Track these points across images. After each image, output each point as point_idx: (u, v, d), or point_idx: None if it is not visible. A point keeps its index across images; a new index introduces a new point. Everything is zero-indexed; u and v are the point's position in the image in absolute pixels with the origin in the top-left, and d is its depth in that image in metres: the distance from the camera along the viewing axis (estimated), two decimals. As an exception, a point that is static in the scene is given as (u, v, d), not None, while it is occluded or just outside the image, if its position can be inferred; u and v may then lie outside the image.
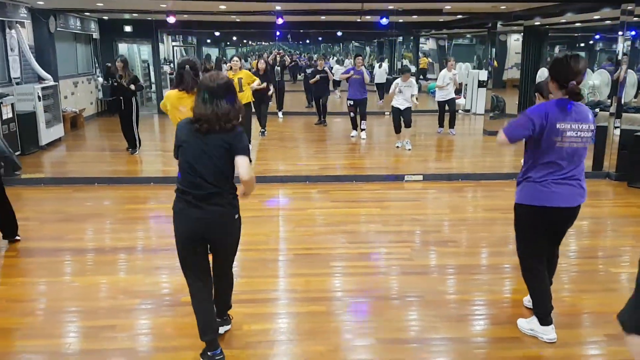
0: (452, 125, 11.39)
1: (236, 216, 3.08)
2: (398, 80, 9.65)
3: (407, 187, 7.45)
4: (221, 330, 3.44)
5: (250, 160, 3.02)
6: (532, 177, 3.30)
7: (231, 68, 9.06)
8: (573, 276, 4.57)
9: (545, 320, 3.47)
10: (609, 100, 11.51)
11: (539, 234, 3.41)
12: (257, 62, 10.79)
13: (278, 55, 16.80)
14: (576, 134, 3.18)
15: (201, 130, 2.91)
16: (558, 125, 3.16)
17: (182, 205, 3.01)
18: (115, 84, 8.91)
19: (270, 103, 11.30)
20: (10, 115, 8.62)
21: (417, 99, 9.63)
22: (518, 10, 11.66)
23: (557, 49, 22.46)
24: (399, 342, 3.47)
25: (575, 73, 3.14)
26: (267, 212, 6.24)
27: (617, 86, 8.20)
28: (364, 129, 10.82)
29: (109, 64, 8.97)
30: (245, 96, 8.86)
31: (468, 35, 24.10)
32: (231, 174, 3.01)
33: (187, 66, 4.24)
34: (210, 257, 3.24)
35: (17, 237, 5.19)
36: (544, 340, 3.45)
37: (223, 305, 3.46)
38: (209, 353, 3.14)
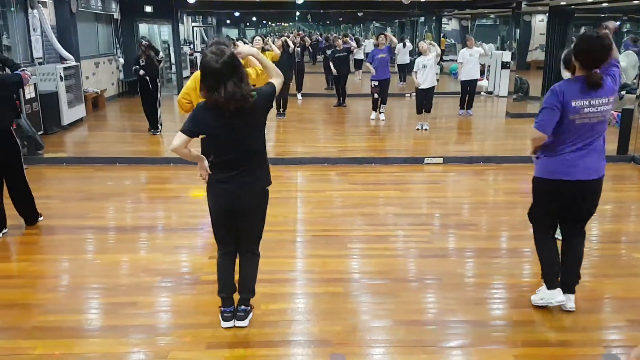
0: (469, 105, 11.26)
1: (267, 188, 3.22)
2: (420, 58, 9.55)
3: (426, 170, 7.39)
4: (244, 322, 3.35)
5: (273, 86, 3.12)
6: (550, 151, 3.34)
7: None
8: (595, 261, 4.50)
9: (551, 283, 3.51)
10: (634, 82, 11.24)
11: (552, 206, 3.47)
12: (273, 42, 10.73)
13: (298, 37, 16.69)
14: (596, 109, 3.19)
15: (213, 109, 2.91)
16: (574, 103, 3.17)
17: (217, 179, 3.12)
18: (142, 63, 9.01)
19: (289, 84, 11.26)
20: (33, 95, 8.71)
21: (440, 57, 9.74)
22: (543, -10, 11.38)
23: (583, 30, 21.93)
24: (416, 324, 3.46)
25: (598, 60, 3.12)
26: (285, 194, 6.24)
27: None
28: (382, 112, 10.74)
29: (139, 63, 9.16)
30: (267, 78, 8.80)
31: (491, 16, 23.65)
32: (264, 147, 3.16)
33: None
34: None
35: (39, 219, 5.21)
36: (553, 304, 3.51)
37: (246, 289, 3.38)
38: (221, 308, 3.34)
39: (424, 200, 6.16)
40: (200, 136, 3.24)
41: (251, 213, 3.23)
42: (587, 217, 3.52)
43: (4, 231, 4.88)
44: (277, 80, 3.14)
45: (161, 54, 9.50)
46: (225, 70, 2.84)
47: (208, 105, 2.94)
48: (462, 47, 11.72)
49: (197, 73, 4.36)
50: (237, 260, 3.40)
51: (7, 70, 5.06)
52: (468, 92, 11.21)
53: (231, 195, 3.11)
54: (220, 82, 2.83)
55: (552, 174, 3.34)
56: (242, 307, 3.38)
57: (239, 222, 3.23)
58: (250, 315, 3.43)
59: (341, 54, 12.32)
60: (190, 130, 2.99)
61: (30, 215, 5.11)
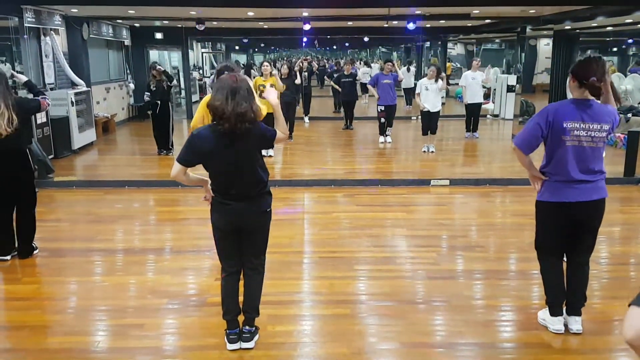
0: (475, 128, 11.31)
1: (268, 209, 3.27)
2: (423, 80, 9.62)
3: (433, 192, 7.40)
4: (250, 344, 3.35)
5: (275, 132, 3.21)
6: (547, 173, 3.37)
7: (262, 74, 9.13)
8: (604, 283, 4.47)
9: (554, 310, 3.54)
10: (638, 105, 11.26)
11: (557, 230, 3.46)
12: (281, 67, 10.90)
13: (305, 62, 16.91)
14: (587, 133, 3.20)
15: (223, 131, 2.96)
16: (565, 124, 3.19)
17: (220, 201, 3.19)
18: (154, 89, 9.16)
19: (297, 108, 11.38)
20: (44, 119, 8.85)
21: (445, 89, 9.94)
22: (547, 15, 11.50)
23: (589, 53, 22.02)
24: (423, 347, 3.45)
25: (596, 71, 3.15)
26: (291, 215, 6.27)
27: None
28: (388, 134, 10.79)
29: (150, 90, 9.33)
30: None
31: (497, 40, 23.86)
32: (264, 170, 3.20)
33: (226, 72, 4.28)
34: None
35: (35, 252, 5.02)
36: (550, 330, 3.53)
37: (251, 309, 3.36)
38: (227, 331, 3.35)
39: (430, 222, 6.15)
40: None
41: (254, 232, 3.29)
42: (593, 236, 3.48)
43: (13, 253, 4.92)
44: (280, 134, 3.24)
45: (174, 82, 9.66)
46: (241, 87, 2.97)
47: (216, 122, 2.97)
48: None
49: (205, 99, 4.45)
50: (241, 282, 3.41)
51: (29, 95, 5.10)
52: (473, 115, 11.28)
53: (233, 214, 3.17)
54: (235, 97, 2.93)
55: (555, 196, 3.35)
56: (247, 327, 3.38)
57: (242, 239, 3.28)
58: (256, 336, 3.42)
59: (347, 79, 12.48)
60: (185, 159, 3.08)
61: (25, 244, 4.94)
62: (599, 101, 3.27)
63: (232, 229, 3.23)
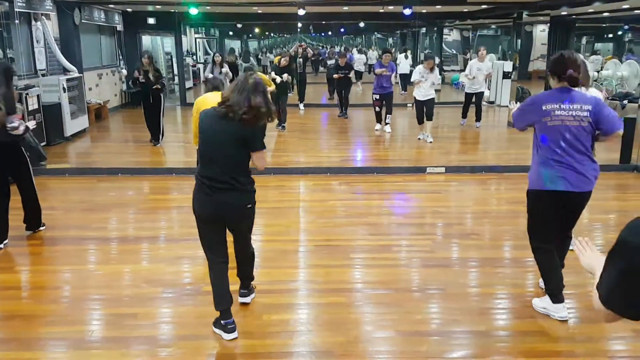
0: (478, 118, 11.11)
1: (249, 205, 3.25)
2: (420, 68, 9.52)
3: (429, 179, 7.38)
4: (247, 299, 3.73)
5: (265, 147, 3.23)
6: (537, 161, 3.48)
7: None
8: (599, 270, 4.47)
9: (556, 298, 3.56)
10: (634, 92, 11.24)
11: (548, 218, 3.54)
12: (281, 58, 10.65)
13: (300, 48, 16.80)
14: (567, 113, 3.34)
15: (220, 113, 3.04)
16: (544, 107, 3.39)
17: (200, 191, 3.19)
18: (143, 80, 8.95)
19: (290, 94, 11.28)
20: (36, 106, 8.75)
21: (438, 84, 9.64)
22: (544, 0, 11.43)
23: (584, 40, 22.00)
24: (419, 335, 3.44)
25: (570, 63, 3.34)
26: (287, 204, 6.23)
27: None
28: (388, 123, 10.68)
29: (137, 74, 9.01)
30: None
31: (493, 26, 23.75)
32: (247, 164, 3.18)
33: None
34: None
35: (41, 228, 5.25)
36: (555, 318, 3.53)
37: (245, 277, 3.68)
38: (222, 322, 3.34)
39: (426, 209, 6.14)
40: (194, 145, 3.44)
41: (236, 226, 3.36)
42: (575, 222, 3.69)
43: (5, 242, 4.88)
44: (264, 157, 3.24)
45: (162, 80, 9.45)
46: (258, 86, 3.08)
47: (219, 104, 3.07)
48: (463, 57, 11.71)
49: (199, 99, 4.52)
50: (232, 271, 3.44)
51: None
52: (474, 104, 11.05)
53: (214, 208, 3.18)
54: (254, 94, 3.03)
55: (544, 184, 3.41)
56: (243, 290, 3.72)
57: (224, 229, 3.35)
58: (253, 294, 3.75)
59: (343, 72, 12.30)
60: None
61: (34, 224, 5.19)
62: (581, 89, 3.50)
63: (213, 219, 3.23)
